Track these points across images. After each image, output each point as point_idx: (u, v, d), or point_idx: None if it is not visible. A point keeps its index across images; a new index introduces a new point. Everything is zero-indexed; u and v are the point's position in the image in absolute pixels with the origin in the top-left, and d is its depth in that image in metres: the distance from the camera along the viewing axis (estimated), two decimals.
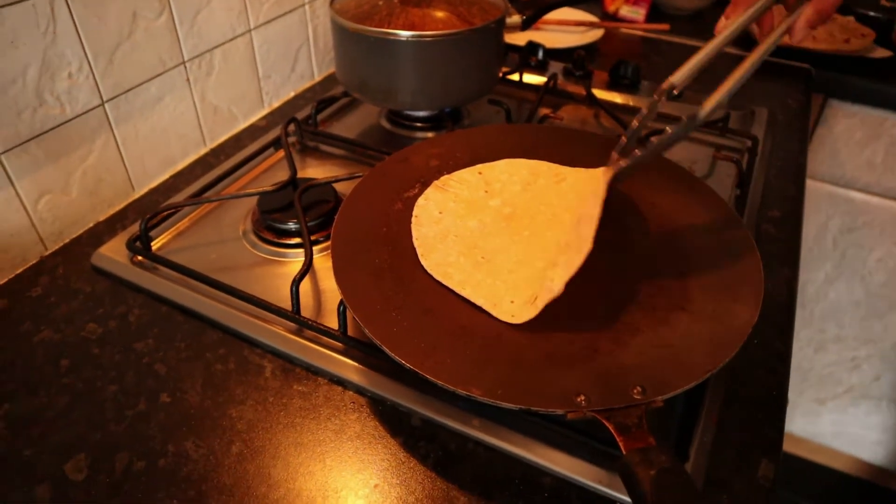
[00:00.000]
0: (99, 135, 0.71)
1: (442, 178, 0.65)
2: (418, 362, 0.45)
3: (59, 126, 0.67)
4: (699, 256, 0.57)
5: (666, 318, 0.51)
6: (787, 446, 1.67)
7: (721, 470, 0.49)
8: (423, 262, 0.56)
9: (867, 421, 1.55)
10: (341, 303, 0.54)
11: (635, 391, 0.44)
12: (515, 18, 0.84)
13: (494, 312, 0.51)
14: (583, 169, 0.65)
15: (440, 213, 0.61)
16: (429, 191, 0.63)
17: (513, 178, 0.65)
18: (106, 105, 0.71)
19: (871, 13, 1.26)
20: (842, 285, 1.37)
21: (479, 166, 0.66)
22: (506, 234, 0.58)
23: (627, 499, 0.40)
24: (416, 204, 0.62)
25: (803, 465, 1.65)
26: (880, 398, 1.50)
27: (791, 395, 1.56)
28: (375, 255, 0.56)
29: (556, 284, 0.49)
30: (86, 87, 0.68)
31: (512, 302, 0.51)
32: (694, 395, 0.53)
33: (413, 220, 0.60)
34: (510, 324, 0.50)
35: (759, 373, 0.57)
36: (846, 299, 1.39)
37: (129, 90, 0.73)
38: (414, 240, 0.58)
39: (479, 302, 0.52)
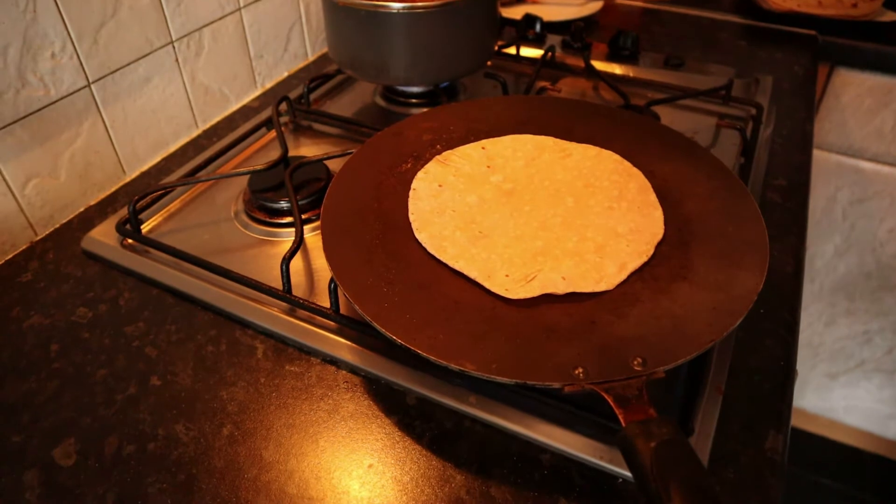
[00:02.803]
0: (86, 117, 0.70)
1: (444, 154, 0.63)
2: (410, 337, 0.44)
3: (44, 108, 0.65)
4: (701, 224, 0.55)
5: (667, 288, 0.49)
6: (799, 422, 1.65)
7: (727, 443, 0.48)
8: (417, 235, 0.54)
9: (880, 395, 1.53)
10: (332, 280, 0.53)
11: (635, 362, 0.42)
12: None
13: (487, 284, 0.49)
14: (590, 146, 0.63)
15: (439, 186, 0.59)
16: (429, 165, 0.62)
17: (517, 153, 0.63)
18: (92, 86, 0.70)
19: None
20: (852, 258, 1.35)
21: (483, 141, 0.64)
22: (505, 209, 0.57)
23: (629, 474, 0.39)
24: (416, 177, 0.60)
25: (815, 440, 1.64)
26: (892, 371, 1.48)
27: (802, 370, 1.55)
28: (367, 231, 0.54)
29: (597, 285, 0.49)
30: (70, 68, 0.67)
31: (507, 276, 0.50)
32: (698, 366, 0.51)
33: (411, 193, 0.59)
34: (505, 298, 0.49)
35: (766, 343, 0.56)
36: (857, 272, 1.36)
37: (115, 71, 0.72)
38: (410, 214, 0.57)
39: (472, 274, 0.50)
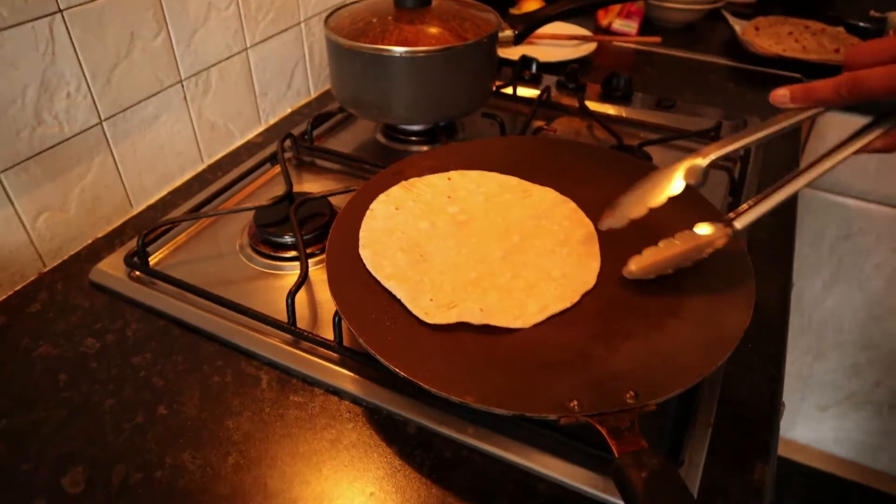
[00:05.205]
0: (97, 153, 0.72)
1: (411, 180, 0.65)
2: (412, 370, 0.46)
3: (57, 145, 0.68)
4: None
5: (658, 324, 0.51)
6: (790, 453, 1.66)
7: (716, 474, 0.49)
8: (361, 252, 0.57)
9: (869, 427, 1.55)
10: (336, 313, 0.55)
11: (628, 395, 0.44)
12: (508, 33, 0.85)
13: (411, 307, 0.51)
14: (550, 189, 0.66)
15: (396, 209, 0.62)
16: (393, 188, 0.64)
17: (480, 188, 0.65)
18: (104, 123, 0.72)
19: (861, 24, 1.27)
20: (840, 292, 1.38)
21: (451, 172, 0.67)
22: (452, 238, 0.59)
23: (621, 503, 0.40)
24: (377, 199, 0.63)
25: (806, 471, 1.65)
26: (881, 403, 1.50)
27: (792, 402, 1.56)
28: None
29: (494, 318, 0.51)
30: (84, 107, 0.69)
31: (431, 300, 0.52)
32: (688, 399, 0.53)
33: (367, 213, 0.61)
34: (503, 333, 0.51)
35: (753, 377, 0.58)
36: (844, 306, 1.39)
37: (126, 109, 0.74)
38: (360, 231, 0.59)
39: (399, 295, 0.52)
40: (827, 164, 0.50)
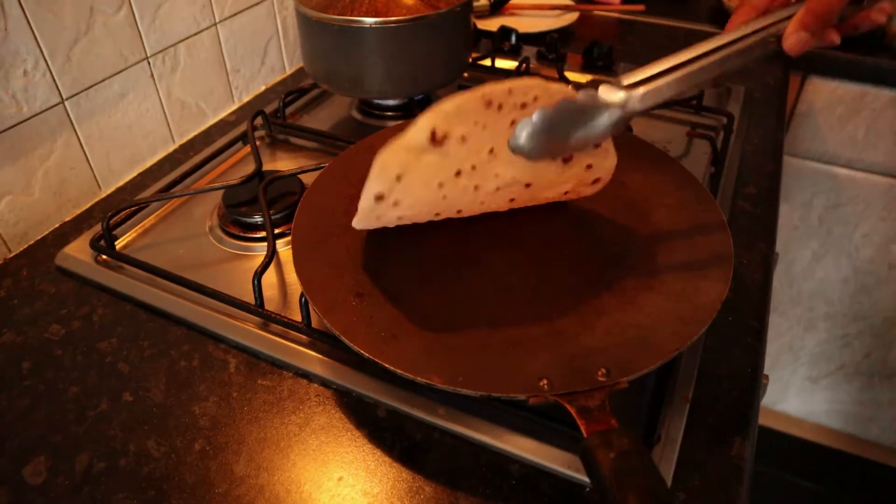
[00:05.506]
0: (60, 133, 0.70)
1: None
2: (377, 351, 0.44)
3: (16, 125, 0.65)
4: (669, 235, 0.56)
5: (634, 299, 0.50)
6: (782, 425, 1.66)
7: (694, 451, 0.48)
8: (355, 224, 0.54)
9: (860, 397, 1.55)
10: (302, 294, 0.53)
11: (600, 373, 0.43)
12: (483, 2, 0.83)
13: None
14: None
15: None
16: None
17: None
18: (66, 103, 0.70)
19: None
20: (829, 262, 1.36)
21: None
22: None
23: None
24: None
25: (798, 443, 1.65)
26: (872, 374, 1.49)
27: (784, 374, 1.56)
28: (337, 245, 0.55)
29: None
30: (43, 85, 0.67)
31: None
32: (665, 374, 0.52)
33: None
34: (474, 311, 0.49)
35: (734, 351, 0.56)
36: (834, 276, 1.38)
37: (90, 87, 0.72)
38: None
39: None
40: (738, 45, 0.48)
